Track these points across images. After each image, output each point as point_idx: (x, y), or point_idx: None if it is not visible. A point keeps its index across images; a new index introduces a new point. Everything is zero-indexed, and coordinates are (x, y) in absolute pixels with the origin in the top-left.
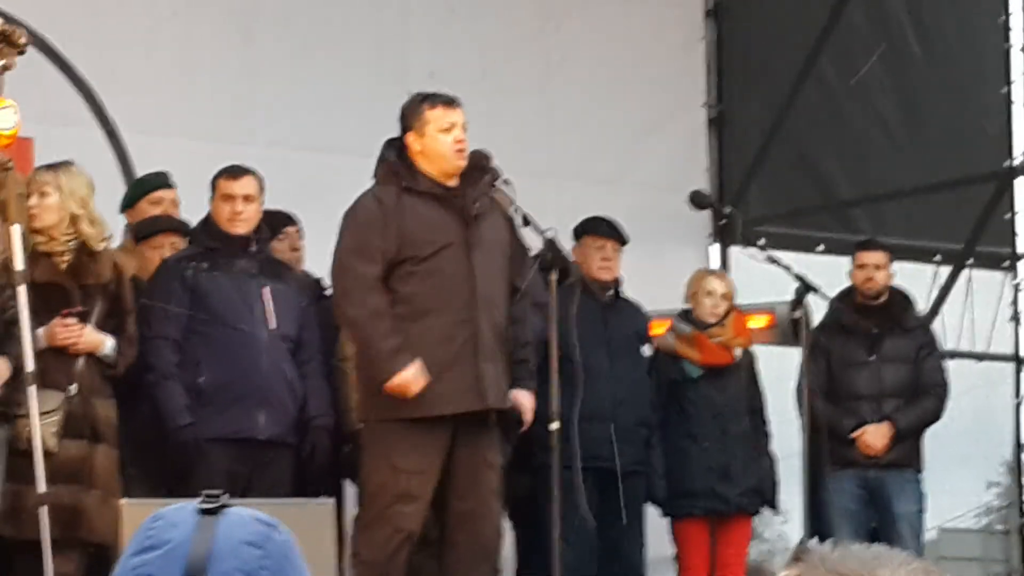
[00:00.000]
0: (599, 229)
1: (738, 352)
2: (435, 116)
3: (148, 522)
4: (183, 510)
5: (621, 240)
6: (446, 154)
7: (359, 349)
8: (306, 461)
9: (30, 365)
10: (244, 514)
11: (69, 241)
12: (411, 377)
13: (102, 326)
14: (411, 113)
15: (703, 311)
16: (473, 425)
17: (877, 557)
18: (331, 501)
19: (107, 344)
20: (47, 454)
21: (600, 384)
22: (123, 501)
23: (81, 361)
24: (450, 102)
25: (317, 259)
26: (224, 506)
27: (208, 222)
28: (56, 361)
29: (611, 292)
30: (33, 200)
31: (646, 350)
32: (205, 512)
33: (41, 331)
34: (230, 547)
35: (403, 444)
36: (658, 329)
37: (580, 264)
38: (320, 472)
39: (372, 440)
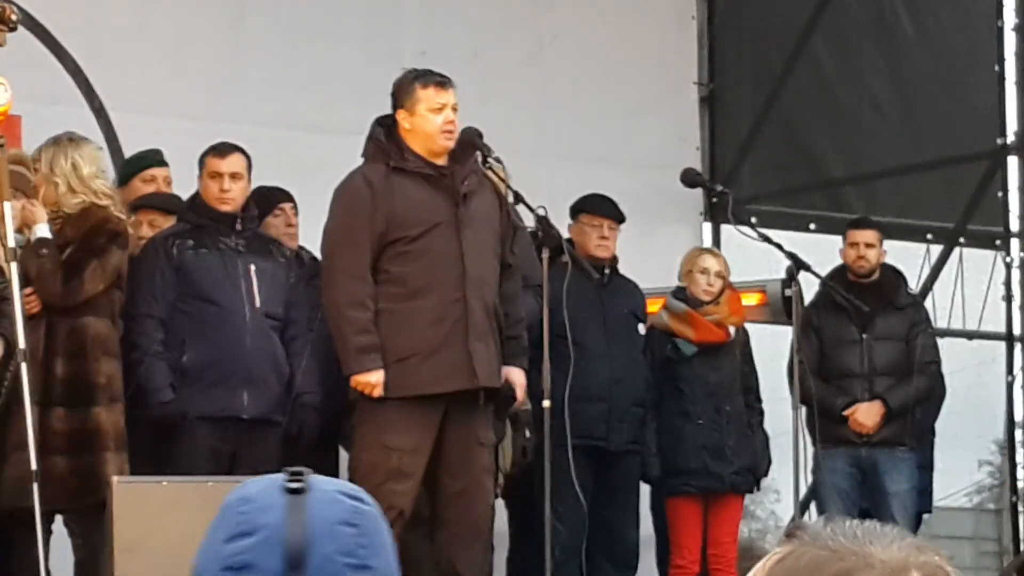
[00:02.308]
0: (596, 207)
1: (732, 330)
2: (427, 96)
3: (236, 505)
4: (269, 490)
5: (618, 218)
6: (434, 134)
7: (333, 336)
8: (294, 439)
9: (22, 342)
10: (331, 490)
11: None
12: (374, 382)
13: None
14: (403, 90)
15: (697, 289)
16: (464, 404)
17: (869, 533)
18: None
19: (41, 227)
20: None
21: (596, 363)
22: (114, 478)
23: (41, 324)
24: (443, 83)
25: (308, 237)
26: (309, 483)
27: (196, 200)
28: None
29: (607, 270)
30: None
31: (642, 329)
32: (292, 492)
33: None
34: (326, 529)
35: (395, 423)
36: (654, 308)
37: (577, 242)
38: (309, 450)
39: (364, 419)
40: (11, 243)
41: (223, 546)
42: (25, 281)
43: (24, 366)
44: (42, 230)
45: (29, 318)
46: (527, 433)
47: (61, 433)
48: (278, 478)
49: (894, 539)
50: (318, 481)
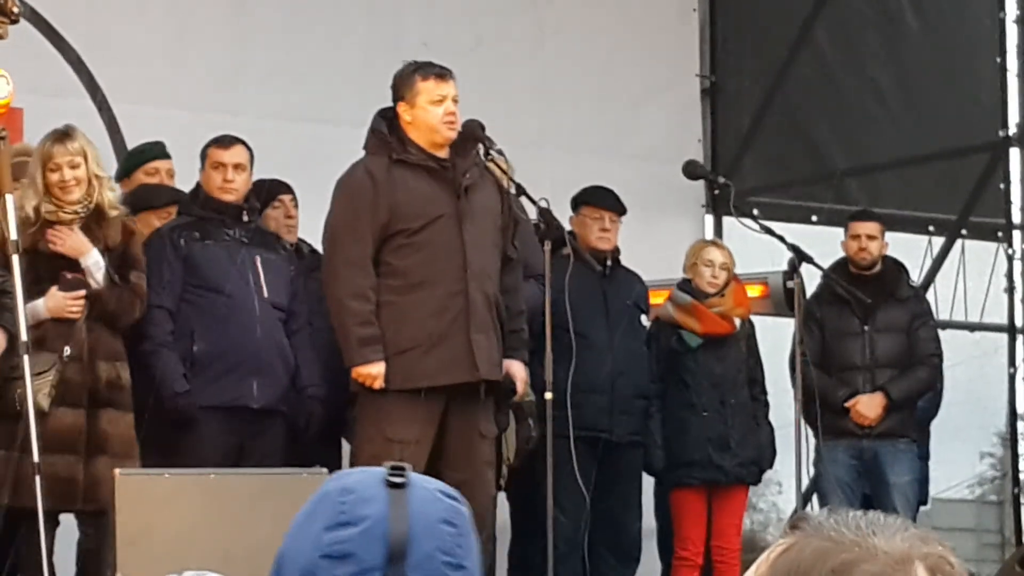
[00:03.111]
0: (598, 199)
1: (737, 322)
2: (427, 88)
3: (336, 493)
4: (370, 482)
5: (620, 210)
6: (435, 126)
7: (334, 328)
8: (301, 432)
9: (24, 334)
10: (431, 487)
11: (79, 209)
12: (375, 373)
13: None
14: (403, 83)
15: (702, 281)
16: (466, 396)
17: (873, 524)
18: (324, 471)
19: (92, 256)
20: (40, 415)
21: (599, 355)
22: (116, 471)
23: (82, 326)
24: (442, 74)
25: (310, 230)
26: (410, 479)
27: (198, 192)
28: (55, 326)
29: (609, 262)
30: (67, 173)
31: (645, 320)
32: (393, 486)
33: (41, 301)
34: (427, 526)
35: (396, 415)
36: (657, 300)
37: (579, 234)
38: (313, 442)
39: (365, 411)
40: (13, 235)
41: (323, 534)
42: (98, 310)
43: (26, 358)
44: (94, 258)
45: (65, 321)
46: (531, 424)
47: (114, 436)
48: (379, 471)
49: (897, 530)
50: (418, 478)
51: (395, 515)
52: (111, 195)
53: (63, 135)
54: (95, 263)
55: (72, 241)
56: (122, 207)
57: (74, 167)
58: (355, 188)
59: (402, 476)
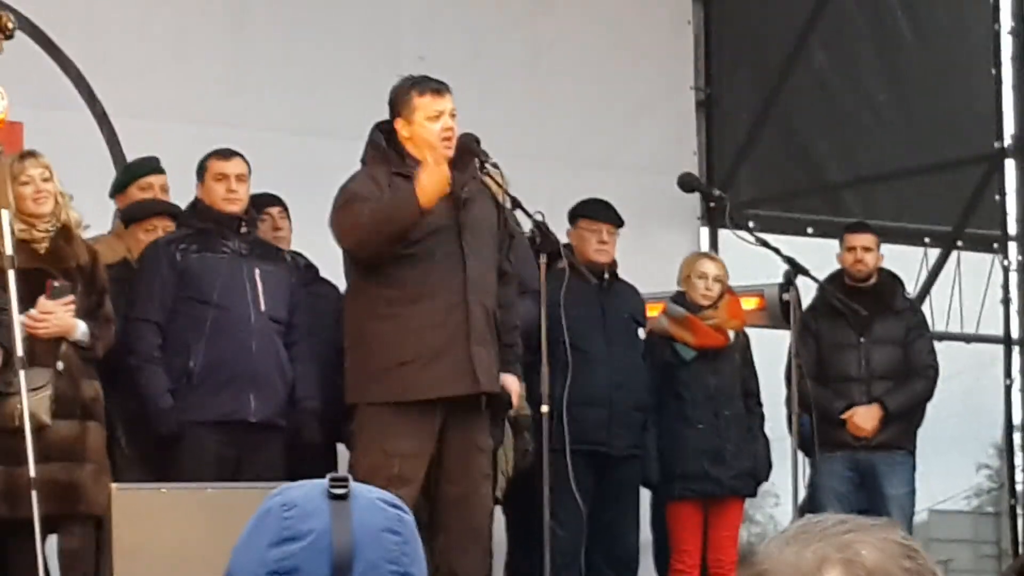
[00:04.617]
0: (595, 212)
1: (732, 334)
2: (423, 104)
3: (278, 509)
4: (313, 495)
5: (617, 223)
6: (434, 142)
7: (380, 217)
8: (295, 445)
9: (20, 349)
10: (372, 498)
11: (50, 227)
12: (431, 165)
13: (81, 306)
14: (400, 99)
15: (696, 294)
16: (464, 409)
17: (796, 537)
18: None
19: (79, 328)
20: (40, 428)
21: (597, 368)
22: (114, 485)
23: (64, 343)
24: (439, 90)
25: (306, 243)
26: (352, 490)
27: (197, 204)
28: (42, 343)
29: (607, 275)
30: (41, 185)
31: (642, 333)
32: (335, 497)
33: (24, 317)
34: (371, 536)
35: (395, 428)
36: (653, 312)
37: (576, 247)
38: (310, 455)
39: (363, 424)
40: (8, 251)
41: (268, 551)
42: (32, 299)
43: (23, 373)
44: (81, 328)
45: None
46: (528, 437)
47: (97, 448)
48: (320, 484)
49: (822, 538)
50: (360, 488)
51: (338, 527)
52: (75, 215)
53: (29, 153)
54: (83, 333)
55: (57, 321)
56: (84, 226)
57: (45, 180)
58: (360, 185)
59: (343, 487)
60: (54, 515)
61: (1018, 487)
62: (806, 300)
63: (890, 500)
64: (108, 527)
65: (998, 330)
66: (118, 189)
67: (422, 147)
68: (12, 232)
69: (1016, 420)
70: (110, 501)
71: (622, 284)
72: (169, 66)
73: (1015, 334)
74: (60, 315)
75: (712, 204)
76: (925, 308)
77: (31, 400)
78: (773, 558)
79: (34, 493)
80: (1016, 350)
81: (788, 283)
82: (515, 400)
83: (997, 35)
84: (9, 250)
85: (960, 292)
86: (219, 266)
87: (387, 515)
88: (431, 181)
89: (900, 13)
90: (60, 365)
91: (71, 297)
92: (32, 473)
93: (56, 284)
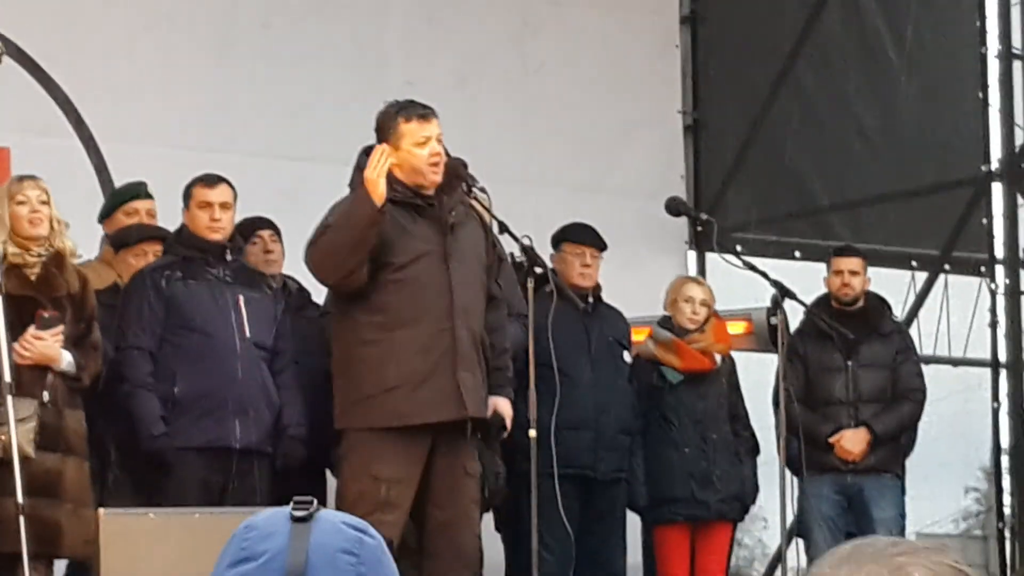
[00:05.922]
0: (578, 236)
1: (718, 358)
2: (410, 130)
3: (241, 532)
4: (275, 518)
5: (600, 246)
6: (421, 168)
7: (342, 229)
8: (281, 471)
9: (7, 376)
10: (336, 520)
11: (43, 251)
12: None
13: (70, 333)
14: (386, 125)
15: (682, 318)
16: (452, 434)
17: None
18: None
19: (65, 359)
20: (24, 460)
21: (582, 392)
22: (101, 511)
23: (51, 373)
24: (425, 115)
25: (295, 268)
26: (315, 512)
27: (182, 231)
28: (28, 372)
29: (591, 299)
30: (38, 206)
31: (628, 356)
32: (297, 520)
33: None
34: (326, 556)
35: (382, 453)
36: (640, 336)
37: (559, 271)
38: (296, 481)
39: (351, 449)
40: None
41: (226, 571)
42: (22, 326)
43: (10, 399)
44: (67, 359)
45: (32, 367)
46: (498, 460)
47: (77, 483)
48: (286, 508)
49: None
50: (325, 512)
51: (294, 547)
52: (70, 243)
53: (29, 176)
54: (69, 363)
55: (44, 348)
56: (78, 255)
57: (43, 202)
58: (331, 223)
59: (305, 510)
60: (30, 553)
61: (1006, 510)
62: (794, 324)
63: (878, 523)
64: (96, 552)
65: (986, 353)
66: (105, 214)
67: (409, 173)
68: (4, 256)
69: (1004, 443)
70: (94, 536)
71: (606, 308)
72: (157, 91)
73: (1003, 357)
74: (48, 343)
75: (699, 228)
76: (913, 332)
77: (16, 431)
78: None
79: (22, 521)
80: (1004, 373)
81: (776, 307)
82: (508, 424)
83: (984, 58)
84: None
85: (948, 315)
86: (203, 294)
87: (346, 536)
88: (372, 172)
89: (887, 36)
90: (46, 396)
91: (60, 327)
92: (20, 499)
93: (46, 315)
